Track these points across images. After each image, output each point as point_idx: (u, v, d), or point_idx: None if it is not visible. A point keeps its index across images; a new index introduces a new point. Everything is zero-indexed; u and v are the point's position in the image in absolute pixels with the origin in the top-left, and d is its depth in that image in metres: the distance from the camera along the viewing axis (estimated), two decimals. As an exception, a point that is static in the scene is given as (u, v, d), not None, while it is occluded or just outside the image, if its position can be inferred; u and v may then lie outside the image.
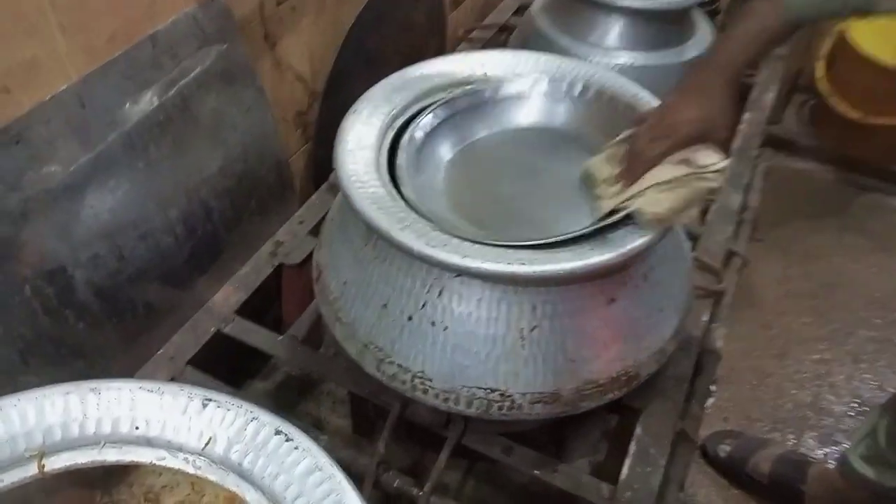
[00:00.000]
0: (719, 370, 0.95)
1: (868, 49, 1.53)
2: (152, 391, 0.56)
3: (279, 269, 1.02)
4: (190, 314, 0.92)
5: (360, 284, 0.80)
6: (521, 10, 1.66)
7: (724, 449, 1.23)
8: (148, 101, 0.78)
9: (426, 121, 0.86)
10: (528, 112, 0.92)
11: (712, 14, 1.73)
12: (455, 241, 0.70)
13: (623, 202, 0.72)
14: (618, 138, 0.78)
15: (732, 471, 1.24)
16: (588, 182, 0.79)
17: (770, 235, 1.50)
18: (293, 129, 1.10)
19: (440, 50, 1.44)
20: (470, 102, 0.90)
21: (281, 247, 1.03)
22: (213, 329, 0.91)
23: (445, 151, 0.88)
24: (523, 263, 0.67)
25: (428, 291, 0.75)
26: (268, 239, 1.04)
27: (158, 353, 0.88)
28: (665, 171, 0.71)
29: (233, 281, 0.98)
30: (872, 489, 1.06)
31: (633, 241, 0.69)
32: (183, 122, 0.82)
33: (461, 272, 0.68)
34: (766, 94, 1.43)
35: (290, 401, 1.08)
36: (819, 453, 1.26)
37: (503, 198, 0.83)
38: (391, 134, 0.85)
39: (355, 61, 1.13)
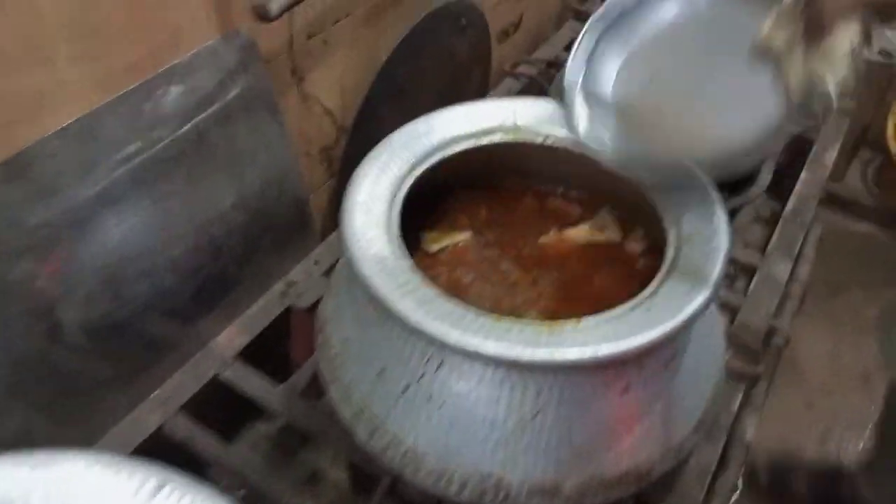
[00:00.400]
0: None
1: (946, 110, 1.42)
2: (109, 467, 0.52)
3: (290, 310, 0.99)
4: (194, 352, 0.89)
5: (360, 344, 0.76)
6: (572, 45, 1.61)
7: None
8: (161, 135, 0.76)
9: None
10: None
11: (777, 61, 1.64)
12: (458, 313, 0.65)
13: (813, 72, 0.60)
14: None
15: None
16: (768, 58, 0.64)
17: (821, 303, 1.40)
18: (318, 163, 1.07)
19: (483, 84, 1.40)
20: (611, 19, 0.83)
21: (293, 287, 1.00)
22: (211, 373, 0.89)
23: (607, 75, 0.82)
24: (527, 348, 0.62)
25: (427, 362, 0.70)
26: (282, 277, 1.01)
27: (153, 394, 0.85)
28: (853, 28, 0.59)
29: (239, 321, 0.95)
30: None
31: (650, 331, 0.63)
32: (197, 158, 0.80)
33: (458, 351, 0.63)
34: (827, 152, 1.34)
35: (291, 447, 1.04)
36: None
37: (682, 110, 0.76)
38: (409, 182, 0.81)
39: (386, 96, 1.09)
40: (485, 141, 0.87)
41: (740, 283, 1.22)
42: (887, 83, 1.54)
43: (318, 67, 0.98)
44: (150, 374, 0.84)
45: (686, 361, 0.73)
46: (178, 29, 0.73)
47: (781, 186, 1.46)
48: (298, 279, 1.01)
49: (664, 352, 0.71)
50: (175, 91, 0.75)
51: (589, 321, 0.65)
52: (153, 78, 0.73)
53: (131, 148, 0.73)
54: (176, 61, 0.75)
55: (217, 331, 0.92)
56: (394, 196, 0.78)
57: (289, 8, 0.82)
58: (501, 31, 1.44)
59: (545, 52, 1.53)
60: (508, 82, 1.42)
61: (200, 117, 0.79)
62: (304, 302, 0.98)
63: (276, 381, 0.91)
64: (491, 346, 0.62)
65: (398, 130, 0.84)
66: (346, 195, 0.76)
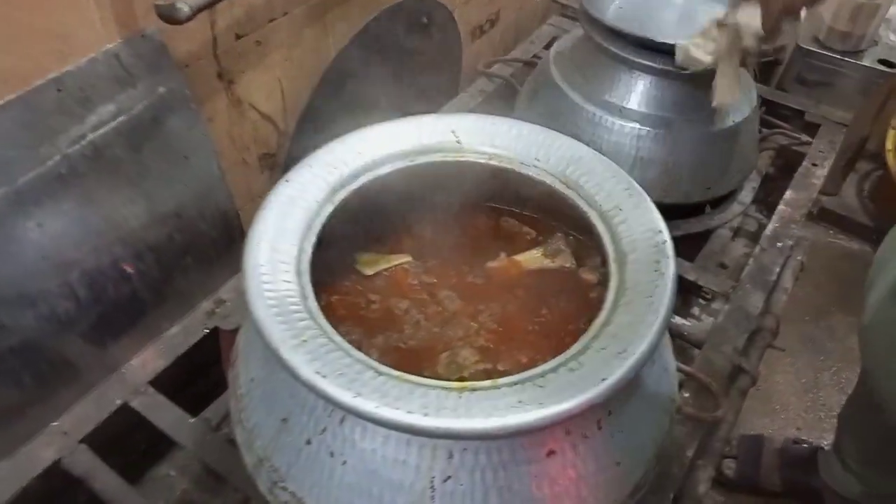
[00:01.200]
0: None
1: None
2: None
3: (217, 331, 0.92)
4: (100, 379, 0.83)
5: (265, 387, 0.69)
6: (551, 44, 1.51)
7: (728, 466, 1.19)
8: (48, 153, 0.68)
9: None
10: None
11: (773, 65, 1.54)
12: (357, 369, 0.58)
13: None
14: None
15: (745, 488, 1.20)
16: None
17: (803, 329, 1.30)
18: (258, 171, 0.99)
19: (452, 86, 1.31)
20: None
21: (222, 306, 0.93)
22: (118, 401, 0.82)
23: None
24: (426, 414, 0.54)
25: (330, 415, 0.62)
26: (210, 295, 0.94)
27: (52, 424, 0.79)
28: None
29: (157, 343, 0.88)
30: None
31: (569, 400, 0.55)
32: (95, 176, 0.72)
33: (351, 412, 0.56)
34: (818, 168, 1.24)
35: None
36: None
37: None
38: (329, 209, 0.73)
39: (334, 100, 1.01)
40: (421, 160, 0.79)
41: (714, 306, 1.14)
42: (887, 93, 1.44)
43: (252, 70, 0.90)
44: (47, 404, 0.77)
45: (623, 422, 0.66)
46: (66, 32, 0.65)
47: (772, 198, 1.37)
48: (229, 297, 0.94)
49: (595, 412, 0.63)
50: (66, 102, 0.68)
51: (505, 381, 0.58)
52: (36, 88, 0.65)
53: (11, 168, 0.65)
54: (66, 69, 0.67)
55: (130, 355, 0.85)
56: (309, 225, 0.71)
57: (205, 7, 0.74)
58: (475, 27, 1.35)
59: (523, 51, 1.44)
60: (481, 83, 1.33)
61: (100, 132, 0.71)
62: (231, 323, 0.91)
63: (197, 410, 0.84)
64: (386, 412, 0.54)
65: (322, 149, 0.76)
66: (252, 226, 0.68)
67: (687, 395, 0.87)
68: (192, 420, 0.81)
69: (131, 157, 0.75)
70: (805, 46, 1.46)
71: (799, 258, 1.07)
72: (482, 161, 0.79)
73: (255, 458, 0.68)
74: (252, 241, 0.67)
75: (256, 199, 1.02)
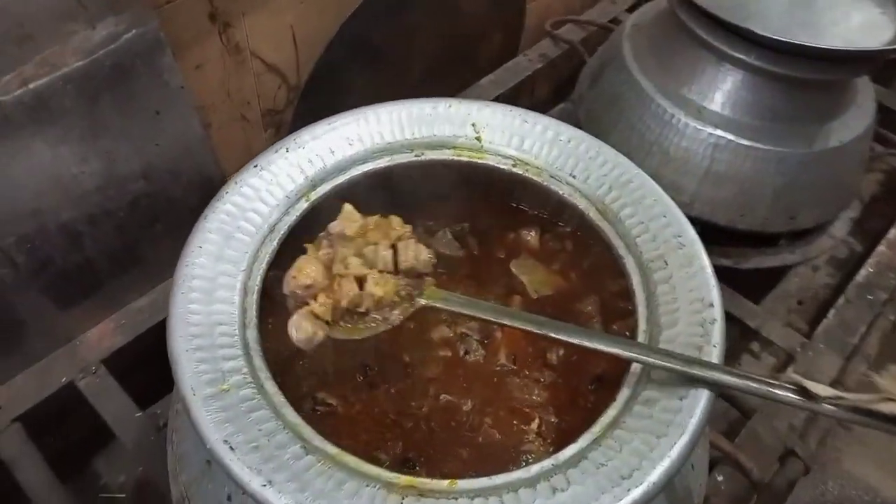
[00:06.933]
0: None
1: None
2: None
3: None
4: (47, 351, 0.74)
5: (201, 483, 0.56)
6: (639, 6, 1.29)
7: None
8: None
9: None
10: None
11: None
12: (278, 440, 0.45)
13: None
14: None
15: None
16: None
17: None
18: (260, 130, 0.86)
19: (509, 48, 1.12)
20: None
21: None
22: (64, 379, 0.73)
23: None
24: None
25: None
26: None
27: (-16, 398, 0.70)
28: None
29: (119, 316, 0.78)
30: None
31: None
32: (35, 128, 0.61)
33: (256, 500, 0.43)
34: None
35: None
36: None
37: None
38: (303, 207, 0.59)
39: (354, 54, 0.86)
40: (428, 157, 0.63)
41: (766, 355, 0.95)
42: None
43: (256, 13, 0.75)
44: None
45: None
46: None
47: (870, 225, 1.15)
48: (209, 270, 0.83)
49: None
50: (2, 45, 0.55)
51: (464, 488, 0.45)
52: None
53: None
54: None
55: (86, 326, 0.76)
56: (272, 226, 0.57)
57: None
58: (546, -23, 1.15)
59: (601, 12, 1.23)
60: (545, 45, 1.15)
61: (44, 81, 0.59)
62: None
63: (147, 401, 0.74)
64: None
65: (308, 128, 0.61)
66: (199, 221, 0.55)
67: (720, 478, 0.72)
68: (139, 414, 0.72)
69: (84, 110, 0.63)
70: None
71: (892, 318, 0.88)
72: (503, 167, 0.63)
73: (178, 492, 0.58)
74: (193, 241, 0.54)
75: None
